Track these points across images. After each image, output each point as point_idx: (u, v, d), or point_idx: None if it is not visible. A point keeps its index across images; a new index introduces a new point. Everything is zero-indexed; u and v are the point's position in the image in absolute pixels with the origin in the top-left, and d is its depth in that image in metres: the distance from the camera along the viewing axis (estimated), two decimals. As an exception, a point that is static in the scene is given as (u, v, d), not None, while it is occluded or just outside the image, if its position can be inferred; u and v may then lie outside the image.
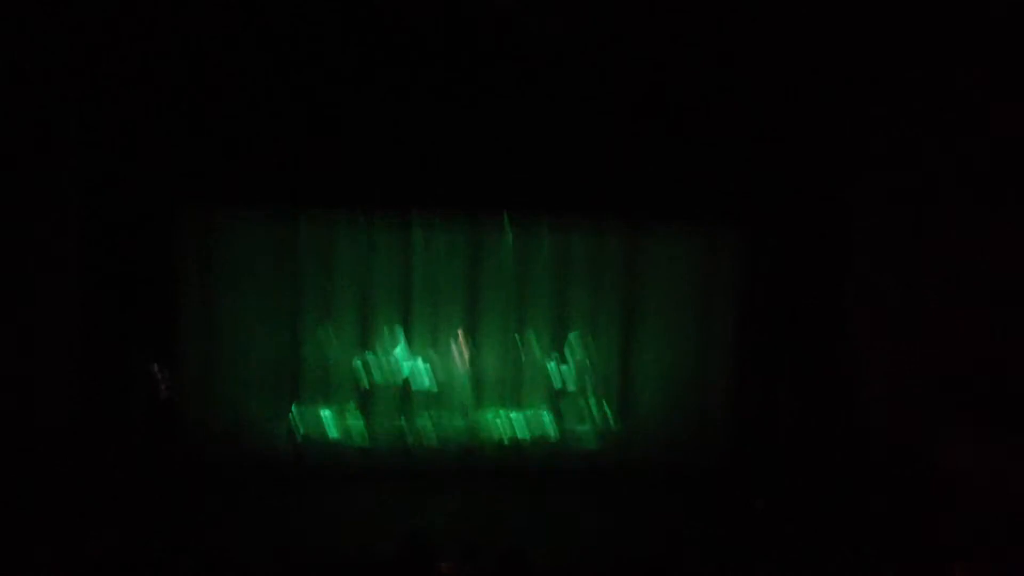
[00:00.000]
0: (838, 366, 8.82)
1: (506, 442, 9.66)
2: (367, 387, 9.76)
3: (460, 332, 9.89)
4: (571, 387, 10.03)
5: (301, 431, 9.46)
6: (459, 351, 9.90)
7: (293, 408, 9.57)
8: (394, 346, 9.90)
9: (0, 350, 7.96)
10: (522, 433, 9.75)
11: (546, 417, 9.99)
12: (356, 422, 9.67)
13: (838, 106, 8.55)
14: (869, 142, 8.59)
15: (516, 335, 9.91)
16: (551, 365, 10.11)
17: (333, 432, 9.53)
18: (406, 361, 9.87)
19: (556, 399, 10.09)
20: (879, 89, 8.35)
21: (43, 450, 7.74)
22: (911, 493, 7.51)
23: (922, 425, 7.73)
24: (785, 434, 9.05)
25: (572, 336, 10.08)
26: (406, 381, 9.78)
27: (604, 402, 9.85)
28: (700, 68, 8.42)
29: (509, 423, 9.78)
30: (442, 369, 9.88)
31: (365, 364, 9.85)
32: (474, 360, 9.92)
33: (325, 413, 9.67)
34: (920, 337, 8.06)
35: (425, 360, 9.89)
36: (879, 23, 7.91)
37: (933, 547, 6.79)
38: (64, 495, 7.39)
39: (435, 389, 9.83)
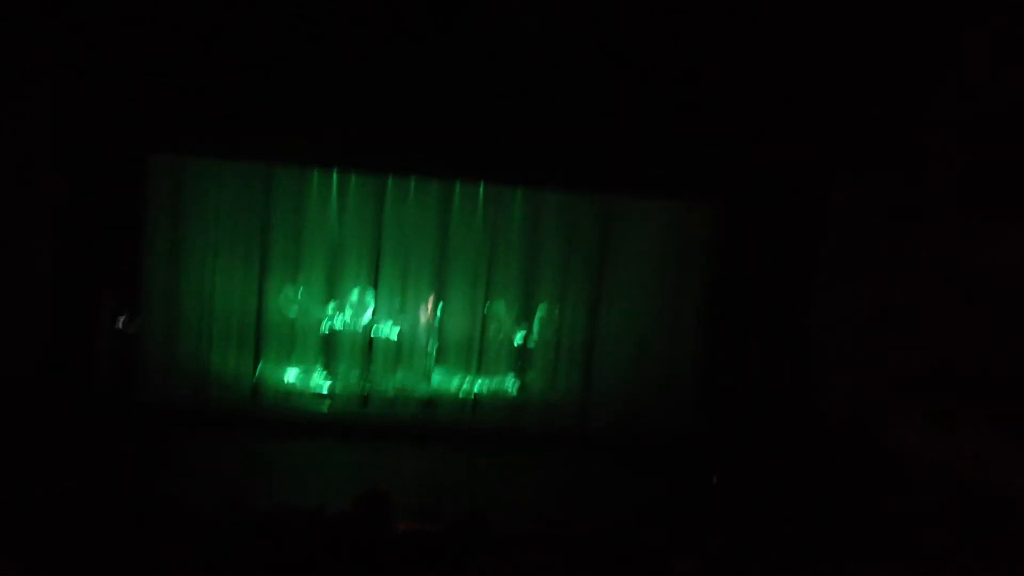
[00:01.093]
0: (801, 345, 8.94)
1: (469, 407, 9.71)
2: (332, 347, 9.75)
3: (428, 297, 9.89)
4: (537, 356, 10.10)
5: (264, 386, 9.45)
6: (426, 316, 9.91)
7: (257, 364, 9.55)
8: (361, 307, 9.89)
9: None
10: (485, 398, 9.80)
11: (510, 384, 10.06)
12: (319, 380, 9.68)
13: (812, 90, 8.59)
14: (846, 130, 8.63)
15: (484, 302, 9.93)
16: (518, 333, 10.17)
17: (296, 389, 9.54)
18: (372, 323, 9.88)
19: (521, 367, 10.17)
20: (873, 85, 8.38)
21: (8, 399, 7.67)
22: (864, 471, 7.65)
23: (880, 406, 7.87)
24: (746, 410, 9.17)
25: (540, 306, 10.13)
26: (371, 343, 9.78)
27: (569, 372, 9.90)
28: (689, 56, 8.41)
29: (473, 389, 9.83)
30: (408, 333, 9.89)
31: (331, 324, 9.85)
32: (441, 325, 9.94)
33: (289, 370, 9.68)
34: (884, 323, 8.17)
35: (392, 323, 9.90)
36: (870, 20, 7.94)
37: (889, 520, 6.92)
38: (28, 442, 7.32)
39: (400, 352, 9.84)
